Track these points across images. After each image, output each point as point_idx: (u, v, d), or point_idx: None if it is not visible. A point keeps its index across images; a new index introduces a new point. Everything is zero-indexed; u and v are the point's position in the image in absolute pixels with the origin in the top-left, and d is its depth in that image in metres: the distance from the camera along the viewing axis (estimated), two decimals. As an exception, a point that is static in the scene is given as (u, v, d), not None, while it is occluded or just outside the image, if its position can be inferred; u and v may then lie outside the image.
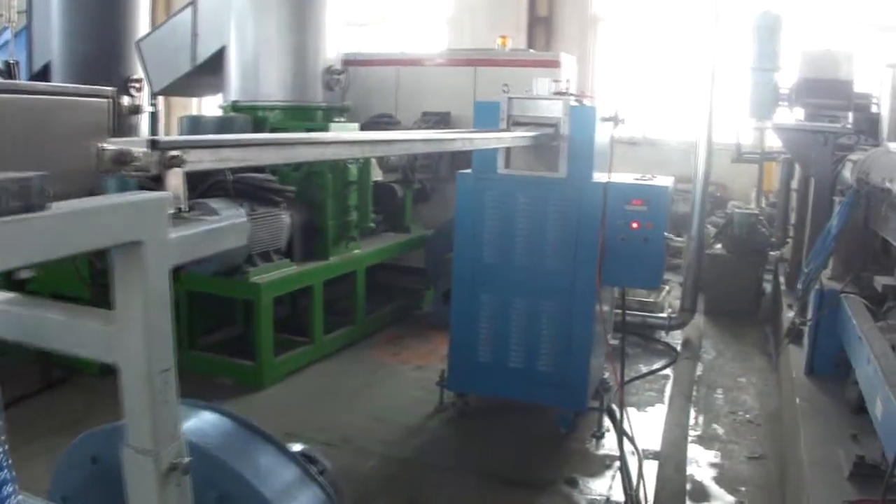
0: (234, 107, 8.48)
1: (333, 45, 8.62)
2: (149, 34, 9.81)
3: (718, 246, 10.13)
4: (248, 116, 8.15)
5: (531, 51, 11.78)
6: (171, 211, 1.90)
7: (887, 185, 5.13)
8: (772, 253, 10.38)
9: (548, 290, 6.10)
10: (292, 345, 7.64)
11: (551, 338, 6.14)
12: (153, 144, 2.00)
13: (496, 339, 6.28)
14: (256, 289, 7.02)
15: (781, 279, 9.12)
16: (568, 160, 5.96)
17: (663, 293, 9.28)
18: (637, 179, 6.20)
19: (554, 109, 5.97)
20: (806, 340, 6.25)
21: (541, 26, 13.78)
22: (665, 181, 6.20)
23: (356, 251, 8.37)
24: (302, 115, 8.38)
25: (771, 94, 7.76)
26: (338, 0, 8.73)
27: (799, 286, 6.50)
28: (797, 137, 7.44)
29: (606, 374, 6.79)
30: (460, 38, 13.58)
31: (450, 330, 6.49)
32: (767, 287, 10.46)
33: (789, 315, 7.35)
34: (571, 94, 6.18)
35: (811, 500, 4.29)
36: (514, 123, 6.04)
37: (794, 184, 9.06)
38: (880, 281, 4.54)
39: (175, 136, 2.18)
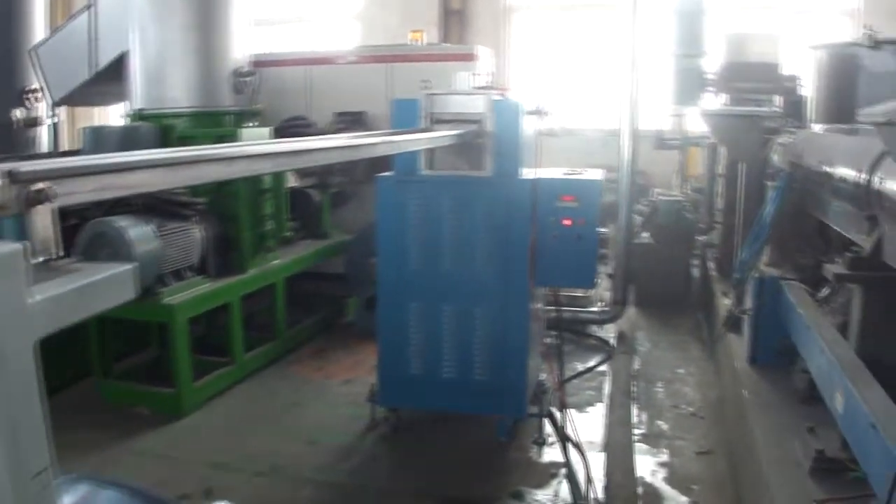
0: (139, 115, 7.88)
1: (241, 45, 8.12)
2: (45, 40, 9.28)
3: (645, 235, 9.91)
4: (154, 125, 7.60)
5: (446, 45, 11.42)
6: (39, 260, 1.48)
7: (825, 168, 4.93)
8: (698, 238, 10.20)
9: (479, 295, 5.76)
10: (212, 366, 7.15)
11: (485, 345, 5.80)
12: (11, 176, 1.57)
13: (427, 350, 5.92)
14: (170, 310, 6.53)
15: (711, 265, 8.95)
16: (494, 157, 5.62)
17: (593, 286, 9.04)
18: (566, 174, 5.90)
19: (477, 105, 5.63)
20: (746, 329, 6.04)
21: (454, 19, 13.45)
22: (595, 175, 5.92)
23: (274, 262, 7.91)
24: (211, 121, 7.85)
25: (696, 80, 7.53)
26: (244, -1, 8.22)
27: (735, 274, 6.29)
28: (725, 123, 7.22)
29: (543, 376, 6.48)
30: (373, 35, 13.13)
31: (377, 342, 6.09)
32: (695, 272, 10.29)
33: (725, 302, 7.15)
34: (494, 88, 5.84)
35: (775, 500, 4.05)
36: (435, 121, 5.69)
37: (720, 168, 8.87)
38: (831, 269, 4.30)
39: (41, 164, 1.72)
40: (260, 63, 9.11)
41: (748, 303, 6.09)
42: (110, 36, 8.43)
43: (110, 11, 8.35)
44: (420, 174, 5.77)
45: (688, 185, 11.50)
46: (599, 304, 8.74)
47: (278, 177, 7.84)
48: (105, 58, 8.57)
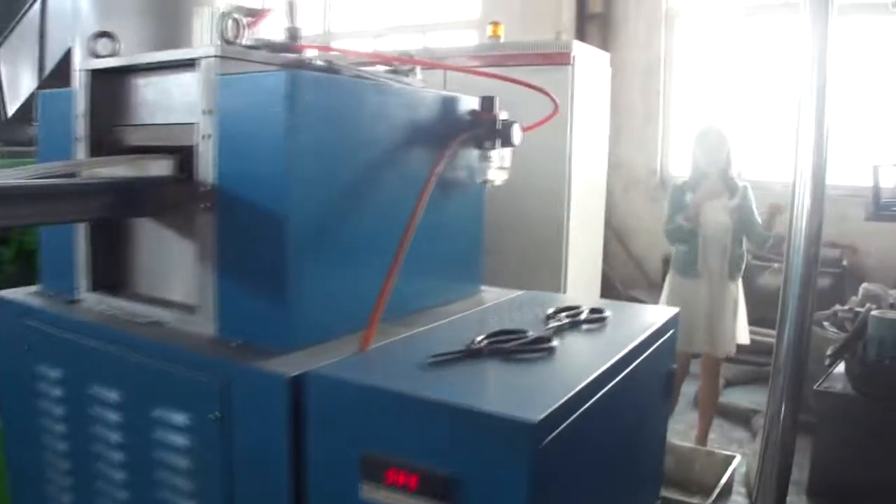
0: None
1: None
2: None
3: (840, 370, 4.96)
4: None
5: (532, 41, 7.28)
6: None
7: None
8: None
9: None
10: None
11: None
12: None
13: None
14: None
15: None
16: (216, 273, 1.44)
17: (730, 467, 4.35)
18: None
19: (185, 101, 1.50)
20: None
21: (595, 24, 9.20)
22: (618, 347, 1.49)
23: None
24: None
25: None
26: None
27: None
28: None
29: None
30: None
31: None
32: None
33: None
34: (298, 47, 1.66)
35: None
36: (119, 142, 1.62)
37: None
38: None
39: None
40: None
41: None
42: (58, 29, 5.79)
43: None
44: (73, 301, 1.70)
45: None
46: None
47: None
48: (52, 59, 5.73)
